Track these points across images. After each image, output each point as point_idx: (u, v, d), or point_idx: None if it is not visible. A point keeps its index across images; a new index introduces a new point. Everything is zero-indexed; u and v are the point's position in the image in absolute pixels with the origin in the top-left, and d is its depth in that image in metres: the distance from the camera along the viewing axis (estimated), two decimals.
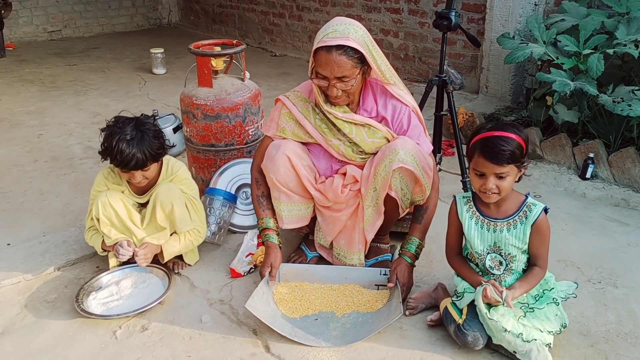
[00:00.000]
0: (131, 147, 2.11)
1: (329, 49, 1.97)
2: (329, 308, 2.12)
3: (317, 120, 2.20)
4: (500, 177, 1.80)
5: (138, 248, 2.25)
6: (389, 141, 2.15)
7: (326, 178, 2.22)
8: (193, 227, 2.33)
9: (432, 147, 2.22)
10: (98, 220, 2.22)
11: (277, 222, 2.27)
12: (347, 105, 2.16)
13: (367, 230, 2.23)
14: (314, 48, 2.02)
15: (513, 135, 1.79)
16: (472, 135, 1.86)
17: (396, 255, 2.45)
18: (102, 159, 2.21)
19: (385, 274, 2.21)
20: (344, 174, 2.19)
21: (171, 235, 2.33)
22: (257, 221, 2.29)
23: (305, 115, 2.20)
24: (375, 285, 2.23)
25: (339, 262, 2.33)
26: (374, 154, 2.17)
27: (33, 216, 2.90)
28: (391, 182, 2.09)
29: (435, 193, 2.22)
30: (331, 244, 2.36)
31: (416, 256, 2.18)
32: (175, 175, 2.34)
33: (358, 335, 1.98)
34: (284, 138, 2.24)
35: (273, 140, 2.25)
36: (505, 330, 1.78)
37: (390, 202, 2.17)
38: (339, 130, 2.17)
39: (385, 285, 2.20)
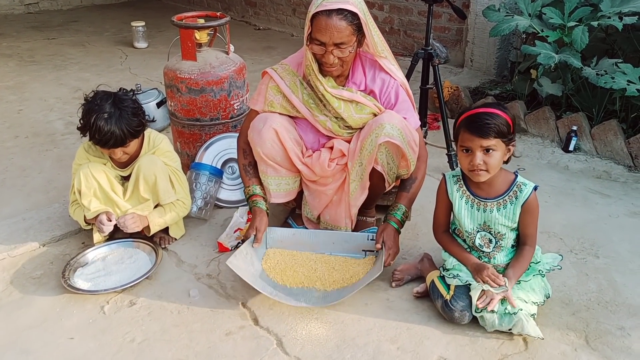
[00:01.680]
0: (109, 125, 2.09)
1: (329, 13, 1.94)
2: (314, 284, 2.11)
3: (305, 94, 2.18)
4: (487, 151, 1.81)
5: (124, 216, 2.23)
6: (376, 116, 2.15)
7: (313, 152, 2.22)
8: (177, 198, 2.33)
9: (419, 122, 2.22)
10: (80, 193, 2.20)
11: (263, 190, 2.27)
12: (338, 77, 2.14)
13: (351, 205, 2.24)
14: (312, 13, 1.98)
15: (498, 111, 1.80)
16: (458, 117, 1.88)
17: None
18: (82, 135, 2.19)
19: (372, 239, 2.23)
20: (331, 148, 2.19)
21: (155, 207, 2.32)
22: (244, 189, 2.29)
23: (293, 90, 2.19)
24: (363, 250, 2.25)
25: None
26: (361, 128, 2.16)
27: (15, 193, 2.86)
28: (377, 156, 2.10)
29: (423, 165, 2.22)
30: (318, 218, 2.36)
31: (402, 223, 2.18)
32: (157, 148, 2.33)
33: (340, 296, 2.00)
34: (274, 112, 2.22)
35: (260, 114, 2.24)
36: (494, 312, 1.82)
37: (376, 176, 2.18)
38: (325, 105, 2.16)
39: (373, 251, 2.22)
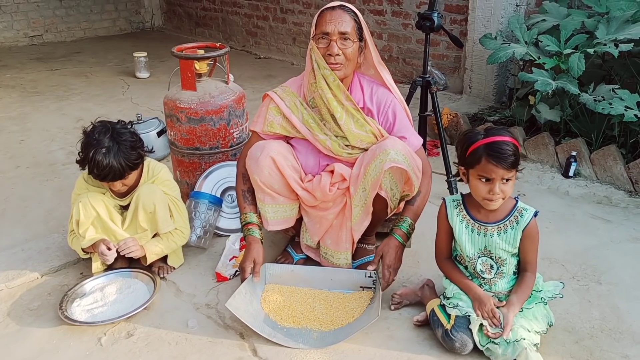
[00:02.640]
0: (108, 159, 2.09)
1: (333, 7, 2.13)
2: (313, 325, 2.07)
3: (305, 114, 2.21)
4: (505, 181, 1.82)
5: (125, 240, 2.22)
6: (376, 137, 2.17)
7: (313, 176, 2.23)
8: (175, 227, 2.32)
9: (421, 140, 2.25)
10: (78, 223, 2.20)
11: (260, 217, 2.26)
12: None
13: (354, 230, 2.23)
14: (317, 14, 2.15)
15: (513, 140, 1.81)
16: (467, 142, 1.86)
17: None
18: (81, 168, 2.20)
19: (370, 277, 2.21)
20: (331, 172, 2.20)
21: (153, 237, 2.32)
22: (240, 215, 2.27)
23: (293, 110, 2.23)
24: (360, 287, 2.23)
25: (326, 261, 2.33)
26: (362, 149, 2.18)
27: (15, 223, 2.86)
28: (382, 182, 2.10)
29: (428, 179, 2.22)
30: (318, 243, 2.35)
31: (408, 236, 2.15)
32: (157, 177, 2.34)
33: (337, 338, 1.98)
34: (274, 133, 2.25)
35: (260, 135, 2.27)
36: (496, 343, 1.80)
37: (379, 202, 2.17)
38: (325, 124, 2.19)
39: (370, 288, 2.21)
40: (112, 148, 2.11)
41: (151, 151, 2.35)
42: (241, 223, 2.26)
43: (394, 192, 2.16)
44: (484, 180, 1.83)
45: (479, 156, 1.81)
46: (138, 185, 2.30)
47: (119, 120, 2.28)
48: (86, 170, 2.25)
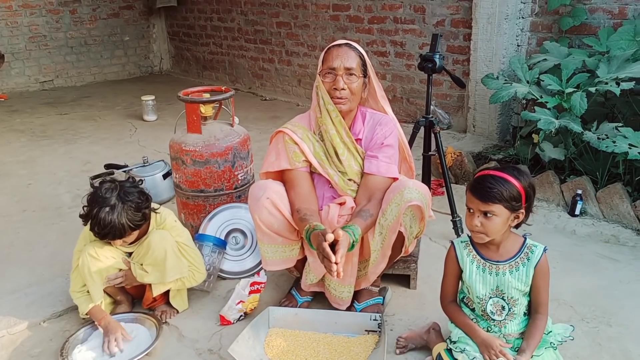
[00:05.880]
0: (110, 218, 2.06)
1: (339, 45, 2.23)
2: None
3: (316, 146, 2.27)
4: (486, 215, 1.79)
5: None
6: None
7: (320, 209, 2.23)
8: (181, 276, 2.29)
9: (394, 172, 2.21)
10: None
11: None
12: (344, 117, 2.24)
13: (370, 273, 2.22)
14: (324, 51, 2.24)
15: (509, 177, 1.78)
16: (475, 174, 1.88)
17: (388, 297, 2.43)
18: (84, 223, 2.16)
19: (375, 319, 2.18)
20: (339, 204, 2.21)
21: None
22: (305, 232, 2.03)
23: (305, 141, 2.27)
24: (366, 330, 2.20)
25: (329, 293, 2.31)
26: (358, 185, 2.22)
27: (19, 267, 2.86)
28: (402, 220, 2.10)
29: (379, 206, 2.14)
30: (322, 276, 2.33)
31: (353, 245, 1.97)
32: (164, 223, 2.31)
33: None
34: (302, 161, 2.24)
35: (292, 172, 2.25)
36: None
37: (396, 241, 2.15)
38: (330, 158, 2.24)
39: (375, 331, 2.18)
40: (116, 207, 2.07)
41: (156, 209, 2.29)
42: (306, 231, 2.02)
43: (412, 230, 2.16)
44: (469, 210, 1.85)
45: (468, 186, 1.86)
46: (147, 231, 2.27)
47: (128, 178, 2.25)
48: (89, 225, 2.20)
